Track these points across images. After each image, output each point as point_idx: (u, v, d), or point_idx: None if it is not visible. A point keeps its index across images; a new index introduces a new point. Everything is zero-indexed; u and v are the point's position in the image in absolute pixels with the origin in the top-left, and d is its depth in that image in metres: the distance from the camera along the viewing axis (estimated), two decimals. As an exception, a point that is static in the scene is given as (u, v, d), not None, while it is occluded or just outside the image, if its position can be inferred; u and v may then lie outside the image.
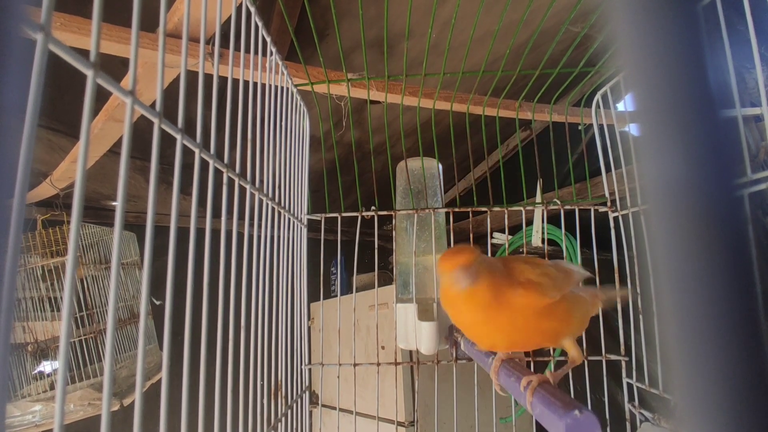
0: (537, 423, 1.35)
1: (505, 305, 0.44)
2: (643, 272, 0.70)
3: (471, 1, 0.85)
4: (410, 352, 1.14)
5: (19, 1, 0.13)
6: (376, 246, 0.81)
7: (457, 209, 0.80)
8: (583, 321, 0.49)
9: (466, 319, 0.47)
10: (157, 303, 1.17)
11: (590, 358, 0.74)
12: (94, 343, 1.18)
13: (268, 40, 0.58)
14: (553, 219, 1.44)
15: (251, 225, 0.51)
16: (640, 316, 0.69)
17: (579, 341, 0.58)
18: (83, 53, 0.23)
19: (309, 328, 0.77)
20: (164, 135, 0.31)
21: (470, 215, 0.83)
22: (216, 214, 0.39)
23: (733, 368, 0.10)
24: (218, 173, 0.40)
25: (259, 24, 0.53)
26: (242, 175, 0.46)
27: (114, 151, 0.98)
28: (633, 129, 0.77)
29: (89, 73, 0.24)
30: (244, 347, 0.46)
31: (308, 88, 0.79)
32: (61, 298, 1.14)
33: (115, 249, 0.26)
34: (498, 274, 0.45)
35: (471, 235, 0.87)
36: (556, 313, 0.45)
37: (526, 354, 0.81)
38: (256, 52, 0.52)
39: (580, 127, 0.92)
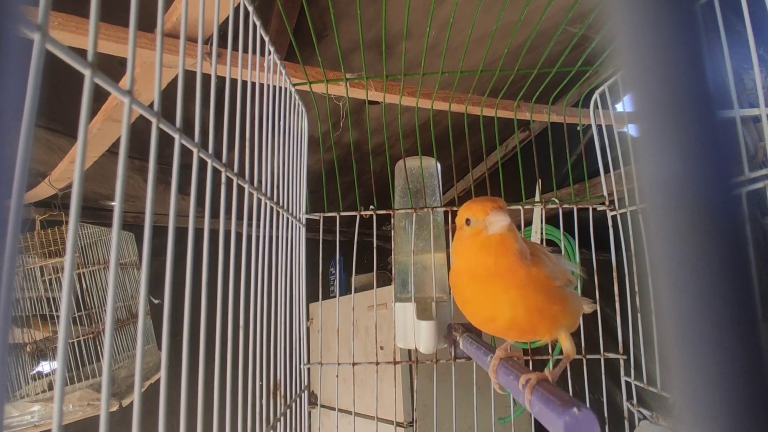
0: (536, 422, 1.35)
1: (520, 272, 0.44)
2: (641, 271, 0.70)
3: (469, 1, 0.85)
4: (409, 351, 1.14)
5: (17, 1, 0.13)
6: (374, 246, 0.81)
7: (455, 208, 0.80)
8: (576, 316, 0.51)
9: (484, 272, 0.45)
10: (156, 302, 1.17)
11: (588, 356, 0.74)
12: (93, 343, 1.18)
13: (266, 39, 0.58)
14: (552, 220, 1.44)
15: (250, 224, 0.50)
16: (639, 315, 0.69)
17: (577, 340, 0.58)
18: (81, 53, 0.23)
19: (308, 329, 0.77)
20: (162, 135, 0.31)
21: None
22: (214, 214, 0.39)
23: (731, 366, 0.10)
24: (216, 173, 0.40)
25: (257, 23, 0.52)
26: (240, 174, 0.46)
27: (112, 151, 0.98)
28: (632, 129, 0.77)
29: (87, 72, 0.24)
30: (242, 347, 0.46)
31: (306, 87, 0.79)
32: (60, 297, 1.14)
33: (114, 249, 0.26)
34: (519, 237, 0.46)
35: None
36: (558, 298, 0.46)
37: (525, 353, 0.81)
38: (254, 52, 0.52)
39: (579, 128, 0.92)
